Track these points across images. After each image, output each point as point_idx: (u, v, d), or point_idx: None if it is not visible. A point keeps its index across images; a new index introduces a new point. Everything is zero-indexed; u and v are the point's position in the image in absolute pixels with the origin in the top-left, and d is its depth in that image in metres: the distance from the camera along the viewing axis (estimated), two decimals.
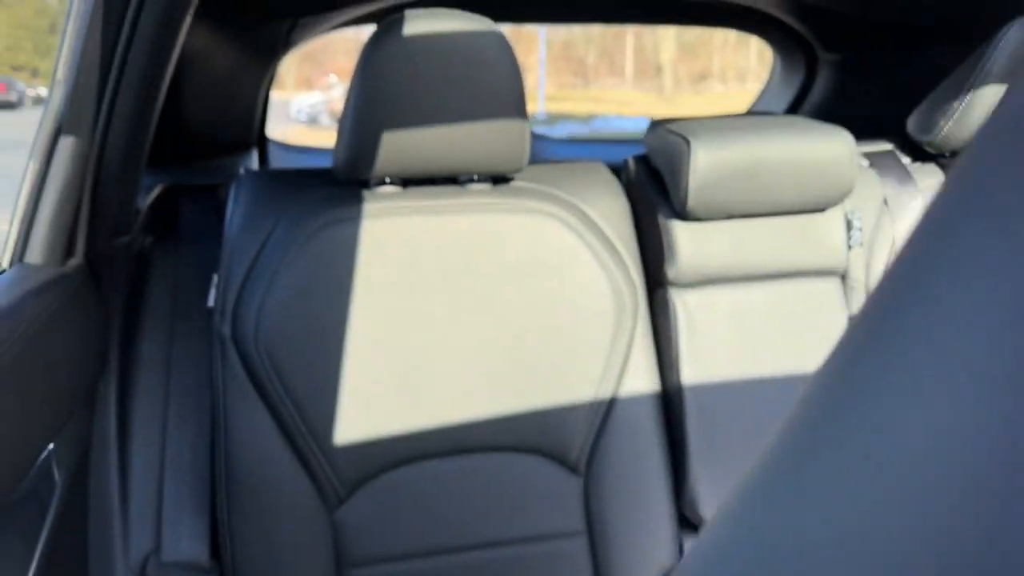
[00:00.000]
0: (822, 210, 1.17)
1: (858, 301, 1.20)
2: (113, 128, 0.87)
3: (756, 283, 1.16)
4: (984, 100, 1.17)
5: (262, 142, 1.80)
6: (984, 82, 1.17)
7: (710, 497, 1.12)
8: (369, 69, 0.95)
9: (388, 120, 0.97)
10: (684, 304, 1.13)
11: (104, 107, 0.85)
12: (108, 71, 0.83)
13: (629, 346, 1.11)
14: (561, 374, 1.08)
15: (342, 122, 0.99)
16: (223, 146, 1.51)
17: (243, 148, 1.60)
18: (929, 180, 1.24)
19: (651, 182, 1.18)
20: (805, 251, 1.17)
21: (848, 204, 1.20)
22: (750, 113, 1.23)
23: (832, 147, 1.12)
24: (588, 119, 14.36)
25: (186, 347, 1.05)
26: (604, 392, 1.09)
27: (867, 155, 1.27)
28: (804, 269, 1.17)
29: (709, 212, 1.11)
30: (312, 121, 13.43)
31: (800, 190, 1.12)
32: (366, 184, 1.05)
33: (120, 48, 0.83)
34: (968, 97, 1.18)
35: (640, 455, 1.11)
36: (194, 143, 1.38)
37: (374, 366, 1.01)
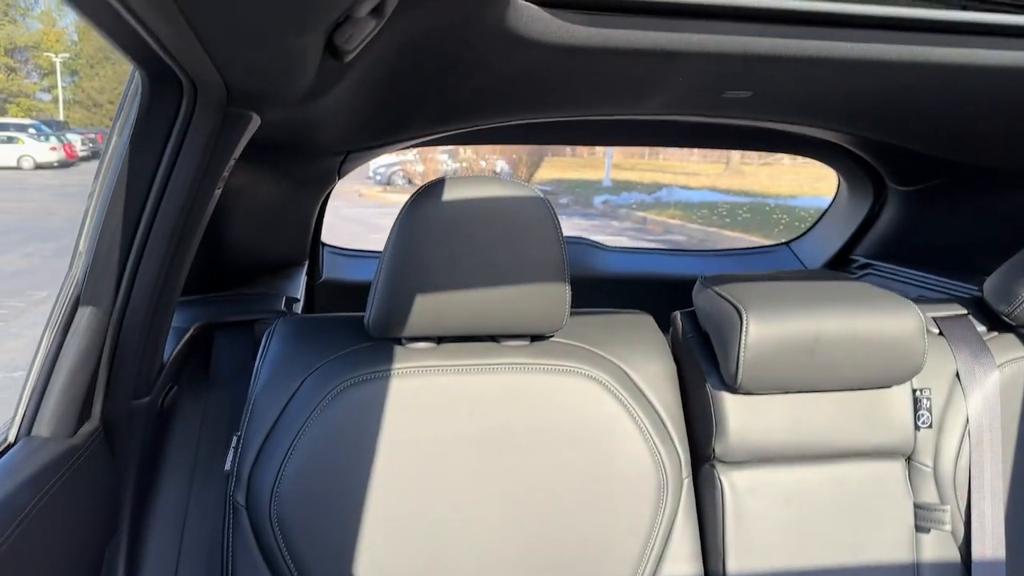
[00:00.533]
0: (888, 386, 1.07)
1: (926, 487, 1.09)
2: (135, 296, 0.85)
3: (812, 463, 1.06)
4: None
5: (315, 249, 1.80)
6: None
7: None
8: (405, 232, 0.92)
9: (423, 283, 0.93)
10: (731, 484, 1.04)
11: (126, 277, 0.83)
12: (131, 241, 0.82)
13: (671, 527, 1.03)
14: (595, 555, 1.00)
15: (375, 281, 0.95)
16: (272, 266, 1.50)
17: (295, 263, 1.60)
18: (1008, 354, 1.13)
19: (699, 345, 1.10)
20: (868, 430, 1.07)
21: (916, 379, 1.10)
22: (811, 275, 1.15)
23: (900, 322, 1.02)
24: (653, 189, 14.33)
25: (202, 508, 1.01)
26: None
27: (938, 320, 1.17)
28: (866, 450, 1.07)
29: (762, 387, 1.03)
30: (387, 182, 13.83)
31: (864, 367, 1.03)
32: (399, 340, 1.01)
33: (145, 217, 0.82)
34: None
35: None
36: (240, 270, 1.37)
37: (392, 538, 0.95)
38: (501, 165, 14.08)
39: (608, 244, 2.17)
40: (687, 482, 1.05)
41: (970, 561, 1.07)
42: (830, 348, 1.01)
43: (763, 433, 1.04)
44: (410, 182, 13.46)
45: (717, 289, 1.08)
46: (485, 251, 0.93)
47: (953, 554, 1.08)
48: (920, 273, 1.73)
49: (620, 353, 1.07)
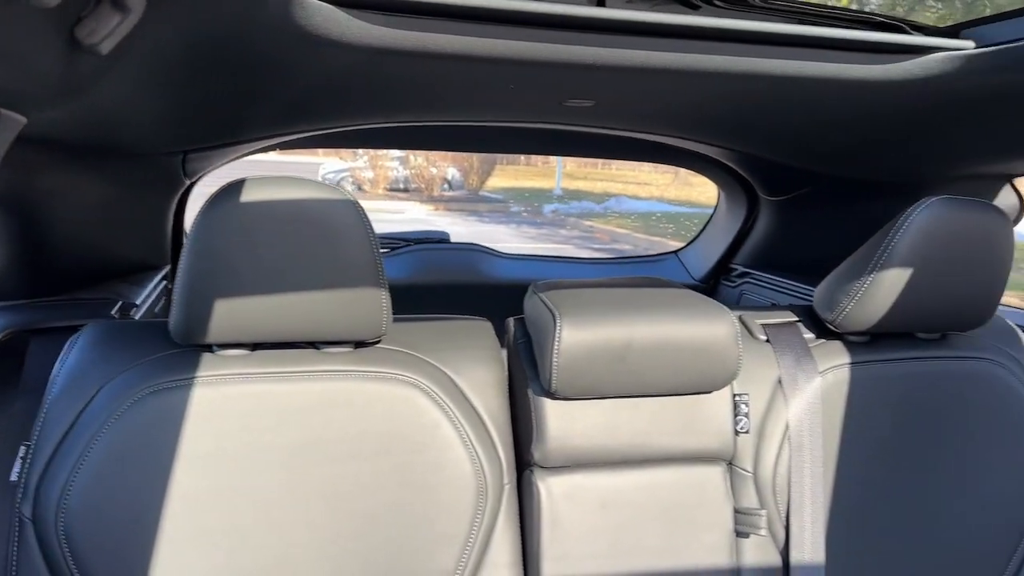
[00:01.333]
0: (707, 391, 1.08)
1: (746, 491, 1.10)
2: None
3: (631, 469, 1.07)
4: (885, 283, 1.09)
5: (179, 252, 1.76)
6: (887, 265, 1.09)
7: None
8: (202, 234, 0.90)
9: (226, 287, 0.91)
10: (548, 490, 1.04)
11: None
12: None
13: (490, 534, 1.02)
14: (409, 564, 0.98)
15: (175, 286, 0.93)
16: (121, 270, 1.46)
17: (152, 268, 1.56)
18: (831, 361, 1.15)
19: (526, 351, 1.10)
20: (687, 436, 1.08)
21: (738, 385, 1.12)
22: (640, 282, 1.16)
23: (713, 329, 1.04)
24: (603, 199, 14.44)
25: None
26: None
27: (766, 327, 1.18)
28: (686, 455, 1.08)
29: (577, 392, 1.03)
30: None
31: (678, 373, 1.04)
32: (210, 347, 0.99)
33: None
34: (871, 278, 1.10)
35: None
36: (76, 274, 1.33)
37: (191, 552, 0.92)
38: (452, 172, 14.05)
39: (502, 250, 2.17)
40: (508, 488, 1.04)
41: (789, 565, 1.09)
42: (642, 354, 1.02)
43: (581, 439, 1.04)
44: (359, 188, 13.36)
45: (541, 295, 1.08)
46: (292, 254, 0.92)
47: (774, 558, 1.09)
48: (791, 281, 1.77)
49: (448, 359, 1.07)
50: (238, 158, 1.52)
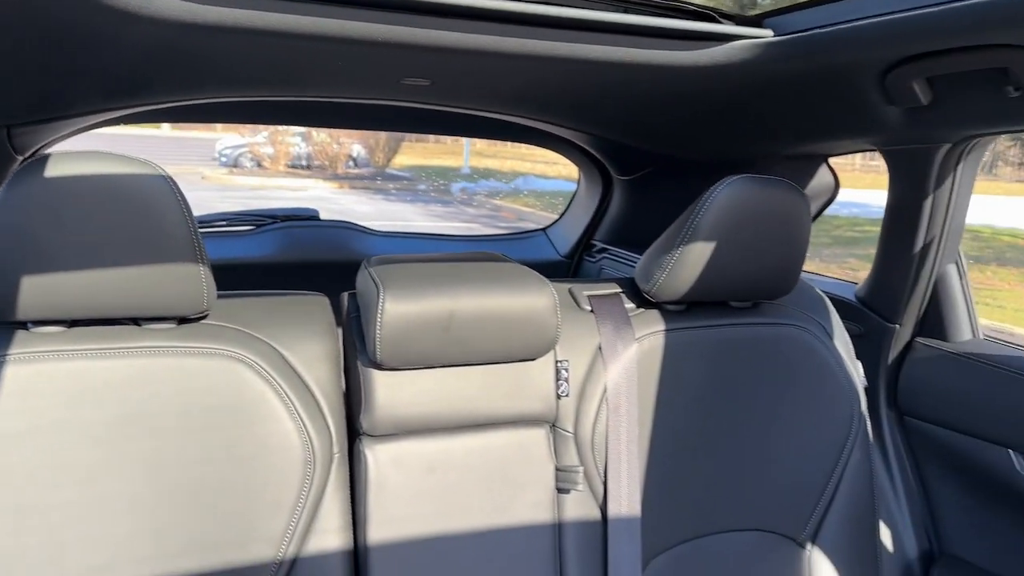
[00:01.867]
0: (531, 359, 1.14)
1: (567, 451, 1.18)
2: None
3: (457, 434, 1.12)
4: (691, 255, 1.18)
5: None
6: (693, 239, 1.18)
7: None
8: (5, 210, 0.89)
9: (34, 262, 0.90)
10: (375, 457, 1.08)
11: None
12: None
13: (319, 502, 1.05)
14: (237, 535, 1.01)
15: None
16: None
17: None
18: (648, 328, 1.23)
19: (357, 324, 1.13)
20: (512, 401, 1.14)
21: (560, 352, 1.19)
22: (469, 257, 1.21)
23: (532, 300, 1.10)
24: (511, 178, 14.55)
25: None
26: (286, 553, 1.03)
27: (591, 298, 1.26)
28: (511, 419, 1.14)
29: (402, 362, 1.07)
30: (234, 164, 13.24)
31: (500, 342, 1.10)
32: (25, 324, 0.97)
33: None
34: (679, 251, 1.18)
35: None
36: None
37: (7, 534, 0.92)
38: (357, 149, 13.82)
39: (375, 228, 2.19)
40: (338, 458, 1.08)
41: (607, 518, 1.17)
42: (465, 325, 1.07)
43: (407, 407, 1.09)
44: (259, 164, 12.98)
45: (370, 269, 1.11)
46: (103, 230, 0.92)
47: (593, 512, 1.17)
48: (641, 256, 1.86)
49: (278, 334, 1.09)
50: (78, 132, 1.48)
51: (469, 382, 1.12)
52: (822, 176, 1.59)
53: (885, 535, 1.43)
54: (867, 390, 1.48)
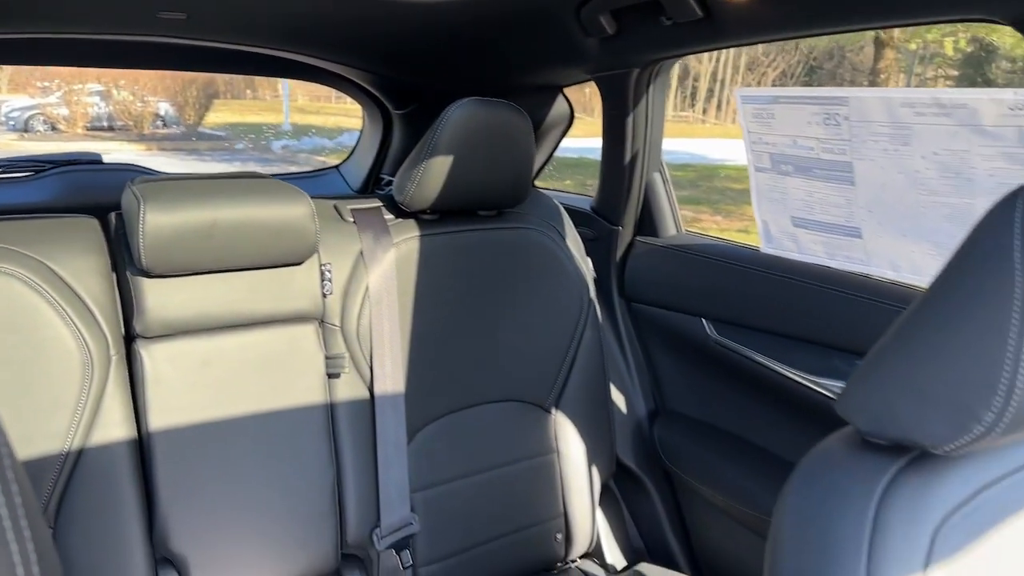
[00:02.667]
0: (296, 263, 1.30)
1: (336, 341, 1.35)
2: None
3: (231, 332, 1.27)
4: (434, 169, 1.38)
5: None
6: (433, 154, 1.37)
7: (182, 533, 1.21)
8: None
9: None
10: (151, 356, 1.21)
11: None
12: None
13: (99, 400, 1.17)
14: (23, 432, 1.11)
15: None
16: None
17: None
18: (404, 235, 1.43)
19: (126, 238, 1.24)
20: (280, 301, 1.30)
21: (325, 256, 1.36)
22: (233, 176, 1.34)
23: (291, 210, 1.25)
24: (335, 134, 14.27)
25: None
26: (71, 446, 1.14)
27: (354, 211, 1.43)
28: (282, 317, 1.30)
29: (170, 269, 1.19)
30: (24, 128, 12.03)
31: (263, 247, 1.25)
32: None
33: None
34: (423, 165, 1.38)
35: (113, 502, 1.17)
36: None
37: None
38: (164, 108, 12.99)
39: (164, 171, 2.21)
40: (116, 359, 1.19)
41: (374, 397, 1.37)
42: (227, 233, 1.21)
43: (178, 310, 1.22)
44: (53, 128, 11.89)
45: (133, 187, 1.22)
46: None
47: (362, 393, 1.37)
48: None
49: (46, 251, 1.18)
50: None
51: (237, 285, 1.26)
52: (559, 105, 1.85)
53: (620, 399, 1.73)
54: (601, 282, 1.77)
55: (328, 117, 16.69)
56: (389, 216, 1.46)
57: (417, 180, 1.39)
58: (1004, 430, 0.61)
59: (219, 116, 14.70)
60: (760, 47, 10.43)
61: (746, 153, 1.47)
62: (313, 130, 14.65)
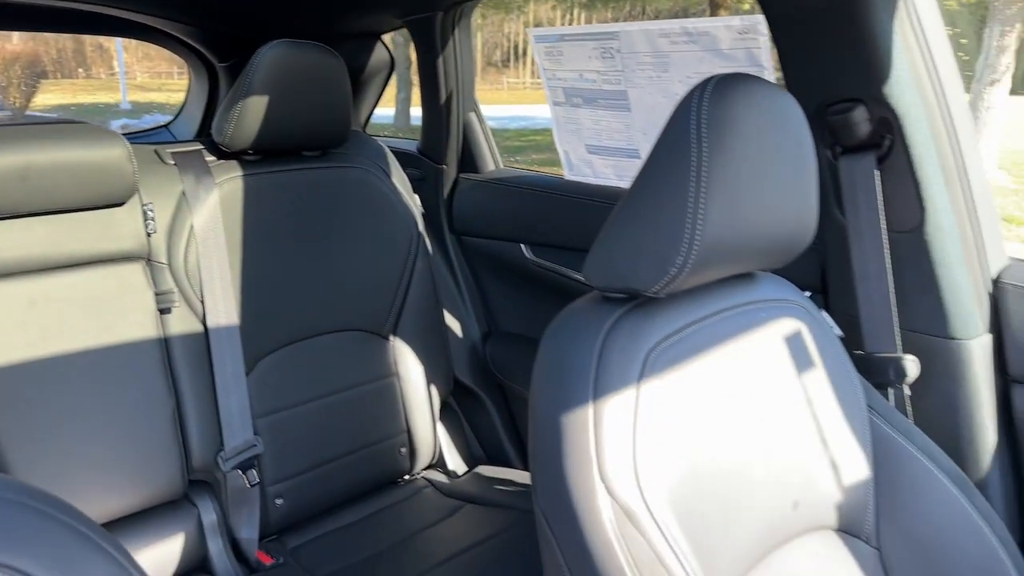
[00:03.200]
0: (117, 204, 1.35)
1: (164, 278, 1.41)
2: None
3: (54, 273, 1.30)
4: (250, 109, 1.45)
5: None
6: (248, 95, 1.44)
7: (23, 472, 1.25)
8: None
9: None
10: None
11: None
12: None
13: None
14: None
15: None
16: None
17: None
18: (226, 175, 1.49)
19: None
20: (104, 241, 1.34)
21: (147, 197, 1.40)
22: (47, 121, 1.36)
23: (106, 152, 1.30)
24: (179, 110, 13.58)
25: None
26: None
27: (174, 154, 1.48)
28: (105, 256, 1.35)
29: None
30: None
31: (82, 189, 1.29)
32: None
33: None
34: (239, 106, 1.45)
35: None
36: None
37: None
38: None
39: None
40: None
41: (208, 329, 1.44)
42: (43, 175, 1.24)
43: (4, 252, 1.24)
44: None
45: None
46: None
47: (195, 327, 1.43)
48: None
49: None
50: None
51: (59, 227, 1.30)
52: (379, 52, 1.94)
53: (455, 325, 1.88)
54: (432, 218, 1.90)
55: (171, 94, 15.79)
56: (211, 158, 1.52)
57: (234, 121, 1.46)
58: (691, 270, 0.79)
59: (49, 98, 13.62)
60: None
61: (544, 89, 1.63)
62: (155, 108, 13.86)
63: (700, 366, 0.86)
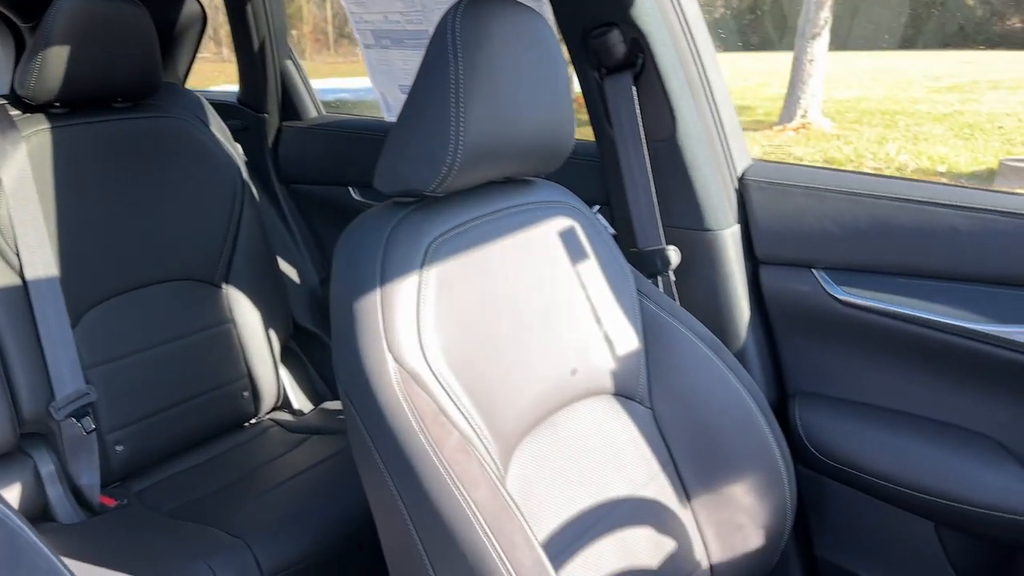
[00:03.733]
0: None
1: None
2: None
3: None
4: (51, 60, 1.44)
5: None
6: (48, 44, 1.43)
7: None
8: None
9: None
10: None
11: None
12: None
13: None
14: None
15: None
16: None
17: None
18: (32, 128, 1.48)
19: None
20: None
21: None
22: None
23: None
24: None
25: None
26: None
27: None
28: None
29: None
30: None
31: None
32: None
33: None
34: (40, 57, 1.44)
35: None
36: None
37: None
38: None
39: None
40: None
41: (27, 282, 1.43)
42: None
43: None
44: None
45: None
46: None
47: (13, 280, 1.42)
48: None
49: None
50: None
51: None
52: (191, 6, 1.95)
53: (291, 271, 1.94)
54: (259, 168, 1.94)
55: None
56: (16, 112, 1.50)
57: (36, 72, 1.45)
58: (461, 169, 0.92)
59: None
60: None
61: (355, 34, 1.71)
62: None
63: (481, 255, 1.00)
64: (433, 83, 0.92)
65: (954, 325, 1.15)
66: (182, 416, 1.66)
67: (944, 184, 1.24)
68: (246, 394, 1.77)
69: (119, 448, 1.54)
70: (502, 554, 0.81)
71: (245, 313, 1.77)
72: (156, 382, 1.62)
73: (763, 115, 9.41)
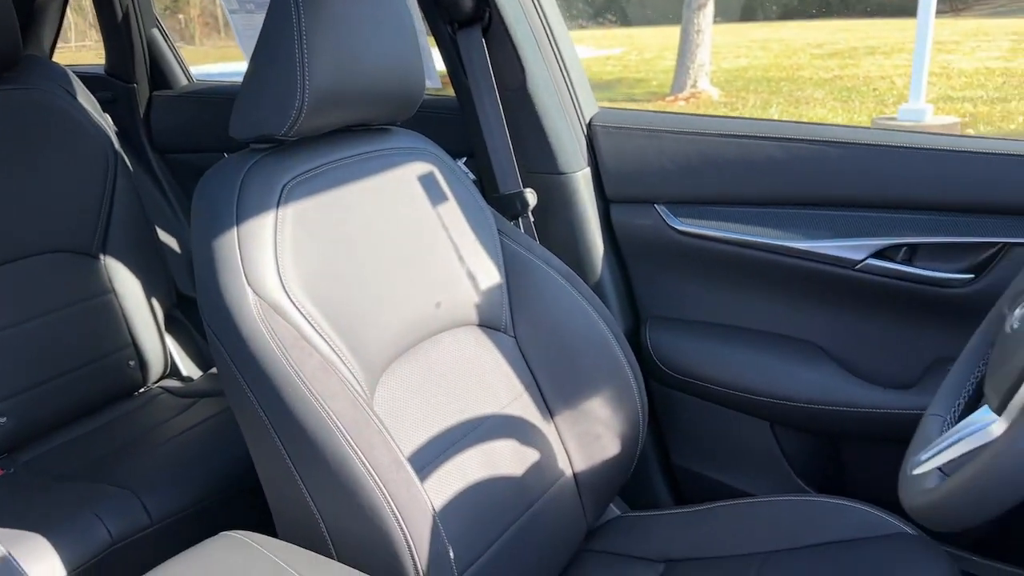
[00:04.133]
0: None
1: None
2: None
3: None
4: None
5: None
6: None
7: None
8: None
9: None
10: None
11: None
12: None
13: None
14: None
15: None
16: None
17: None
18: None
19: None
20: None
21: None
22: None
23: None
24: None
25: None
26: None
27: None
28: None
29: None
30: None
31: None
32: None
33: None
34: None
35: None
36: None
37: None
38: None
39: None
40: None
41: None
42: None
43: None
44: None
45: None
46: None
47: None
48: None
49: None
50: None
51: None
52: None
53: (171, 241, 1.95)
54: (132, 139, 1.93)
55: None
56: None
57: None
58: (309, 113, 0.98)
59: None
60: None
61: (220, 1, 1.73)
62: None
63: (338, 196, 1.06)
64: (277, 28, 0.98)
65: (775, 244, 1.30)
66: (68, 387, 1.66)
67: (762, 120, 1.38)
68: (132, 363, 1.78)
69: (2, 420, 1.54)
70: (362, 456, 0.89)
71: (125, 283, 1.77)
72: (37, 354, 1.61)
73: (657, 87, 9.72)
